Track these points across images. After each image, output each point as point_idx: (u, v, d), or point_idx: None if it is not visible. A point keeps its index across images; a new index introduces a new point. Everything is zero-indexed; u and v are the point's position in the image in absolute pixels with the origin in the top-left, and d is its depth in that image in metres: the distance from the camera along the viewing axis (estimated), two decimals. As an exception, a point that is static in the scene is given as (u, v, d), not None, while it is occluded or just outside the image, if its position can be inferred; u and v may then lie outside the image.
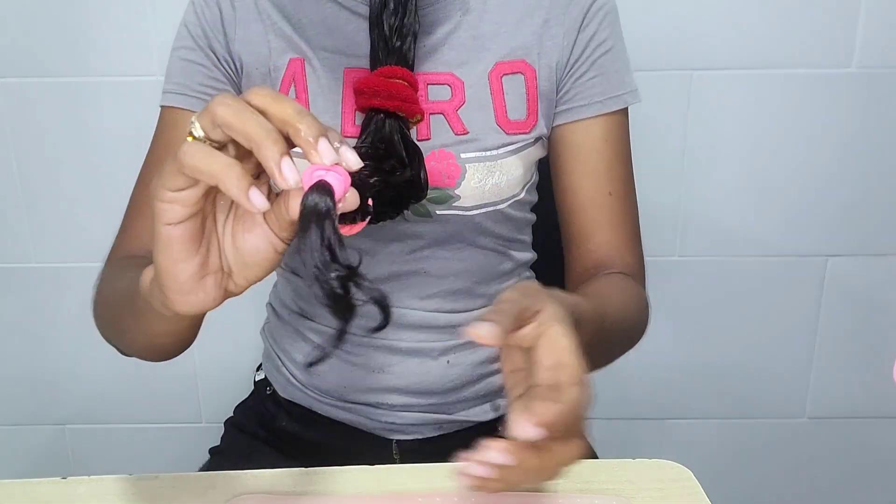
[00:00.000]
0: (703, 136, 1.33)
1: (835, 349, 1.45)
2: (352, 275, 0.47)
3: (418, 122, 0.74)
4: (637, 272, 0.81)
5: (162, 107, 0.80)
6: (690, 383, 1.47)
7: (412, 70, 0.72)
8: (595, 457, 0.95)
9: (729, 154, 1.34)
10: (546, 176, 0.85)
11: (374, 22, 0.72)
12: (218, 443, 0.95)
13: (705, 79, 1.30)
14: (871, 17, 1.27)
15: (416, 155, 0.72)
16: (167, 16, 1.27)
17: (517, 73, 0.78)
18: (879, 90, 1.30)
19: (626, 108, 0.80)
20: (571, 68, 0.78)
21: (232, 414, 0.97)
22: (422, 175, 0.72)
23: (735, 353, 1.45)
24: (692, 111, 1.32)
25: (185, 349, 0.73)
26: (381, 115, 0.71)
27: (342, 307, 0.47)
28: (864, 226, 1.37)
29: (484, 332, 0.49)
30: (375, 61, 0.73)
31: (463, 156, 0.76)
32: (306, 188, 0.46)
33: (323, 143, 0.45)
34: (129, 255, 0.78)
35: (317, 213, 0.45)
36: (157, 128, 0.81)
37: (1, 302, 1.43)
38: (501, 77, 0.77)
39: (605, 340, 0.66)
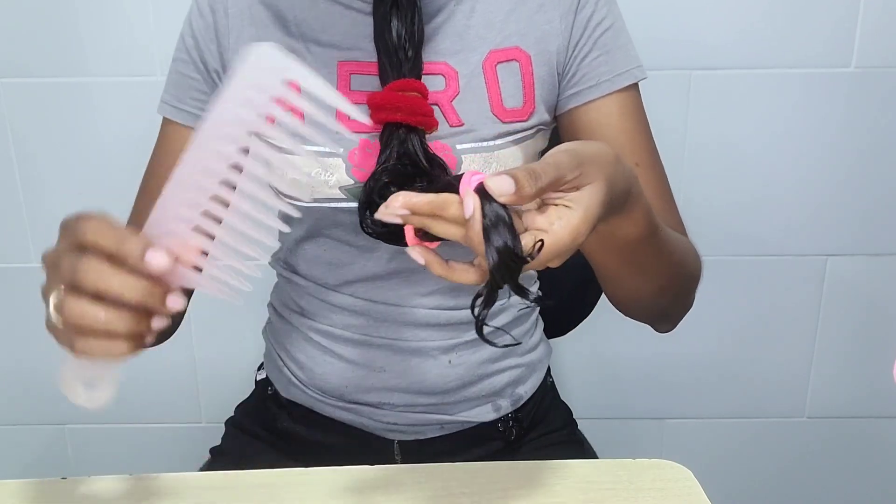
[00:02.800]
0: (702, 136, 1.33)
1: (835, 349, 1.45)
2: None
3: (433, 132, 0.74)
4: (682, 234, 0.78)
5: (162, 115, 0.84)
6: (690, 383, 1.47)
7: (421, 78, 0.73)
8: (595, 457, 0.95)
9: (728, 154, 1.34)
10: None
11: (380, 34, 0.72)
12: (218, 443, 0.95)
13: (705, 79, 1.30)
14: (870, 17, 1.27)
15: (440, 168, 0.72)
16: (168, 16, 1.27)
17: (511, 60, 0.77)
18: (879, 90, 1.30)
19: (637, 84, 0.79)
20: (574, 51, 0.78)
21: (233, 414, 0.97)
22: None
23: (735, 353, 1.45)
24: (692, 111, 1.32)
25: (165, 338, 0.79)
26: (402, 129, 0.71)
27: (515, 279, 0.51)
28: (864, 226, 1.37)
29: (498, 186, 0.48)
30: (385, 74, 0.72)
31: (458, 147, 0.76)
32: (465, 192, 0.49)
33: (151, 255, 0.50)
34: None
35: (500, 217, 0.49)
36: (158, 135, 0.85)
37: (1, 302, 1.43)
38: (496, 65, 0.77)
39: (663, 241, 0.65)
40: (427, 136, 0.74)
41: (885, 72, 1.29)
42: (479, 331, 0.54)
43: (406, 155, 0.70)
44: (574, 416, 0.98)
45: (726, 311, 1.43)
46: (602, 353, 1.46)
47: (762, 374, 1.46)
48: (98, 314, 0.51)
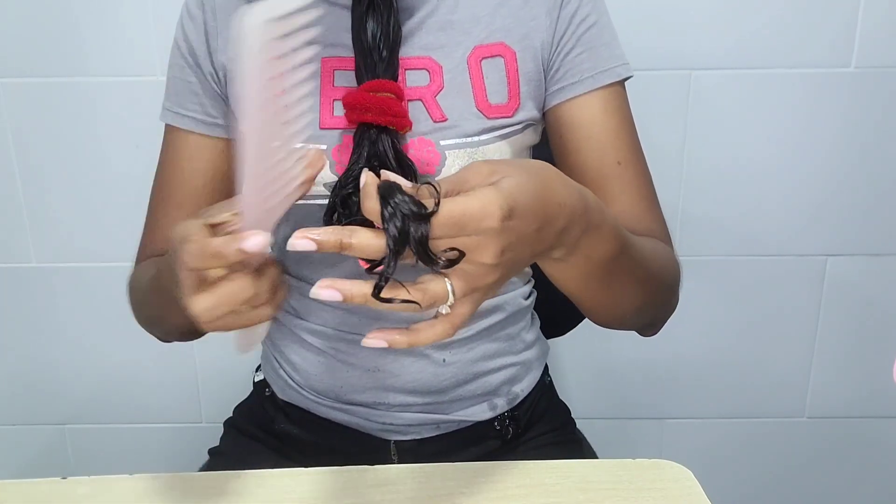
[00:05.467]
0: (702, 136, 1.33)
1: (835, 349, 1.45)
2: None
3: (406, 132, 0.74)
4: (661, 237, 0.77)
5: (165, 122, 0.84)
6: (690, 383, 1.47)
7: (397, 79, 0.73)
8: (594, 456, 0.95)
9: (728, 154, 1.34)
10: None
11: (356, 34, 0.73)
12: (218, 443, 0.95)
13: (705, 79, 1.30)
14: (870, 17, 1.27)
15: (410, 170, 0.72)
16: (167, 16, 1.27)
17: (496, 56, 0.77)
18: (879, 90, 1.30)
19: (623, 81, 0.79)
20: (558, 47, 0.78)
21: (231, 415, 0.97)
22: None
23: (735, 353, 1.45)
24: (692, 111, 1.32)
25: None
26: (373, 130, 0.71)
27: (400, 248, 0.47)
28: (864, 226, 1.37)
29: (394, 177, 0.48)
30: (361, 74, 0.73)
31: (442, 143, 0.75)
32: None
33: (251, 241, 0.50)
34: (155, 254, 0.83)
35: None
36: (163, 143, 0.85)
37: (1, 302, 1.44)
38: (481, 61, 0.77)
39: (635, 259, 0.63)
40: (410, 132, 0.74)
41: (885, 72, 1.29)
42: (377, 293, 0.50)
43: (376, 156, 0.71)
44: (573, 416, 0.98)
45: (726, 311, 1.43)
46: (601, 353, 1.46)
47: (762, 374, 1.46)
48: (238, 316, 0.54)
